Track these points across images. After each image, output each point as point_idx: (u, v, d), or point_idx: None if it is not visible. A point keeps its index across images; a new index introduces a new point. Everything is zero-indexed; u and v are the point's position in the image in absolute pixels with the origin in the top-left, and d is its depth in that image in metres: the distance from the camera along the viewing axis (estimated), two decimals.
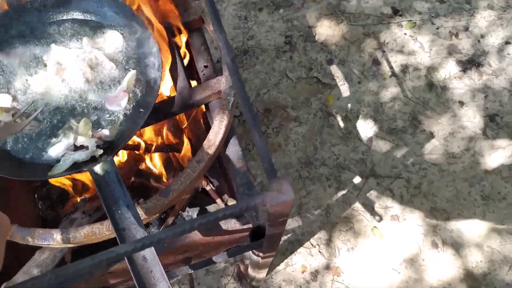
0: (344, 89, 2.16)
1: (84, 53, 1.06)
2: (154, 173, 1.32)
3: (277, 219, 0.63)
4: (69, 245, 0.96)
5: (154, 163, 1.33)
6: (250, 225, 1.05)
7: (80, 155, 0.94)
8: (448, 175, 1.94)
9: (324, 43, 2.28)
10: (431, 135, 2.03)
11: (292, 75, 2.20)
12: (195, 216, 1.33)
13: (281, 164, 2.01)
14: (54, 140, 0.97)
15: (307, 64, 2.23)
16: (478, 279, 1.76)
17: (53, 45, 1.06)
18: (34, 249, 1.05)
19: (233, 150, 1.09)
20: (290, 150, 2.03)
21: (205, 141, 1.02)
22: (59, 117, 1.00)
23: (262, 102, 2.14)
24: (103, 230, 0.94)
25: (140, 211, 0.95)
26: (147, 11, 1.10)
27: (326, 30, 2.32)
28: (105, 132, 0.97)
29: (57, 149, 0.96)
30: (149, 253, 0.83)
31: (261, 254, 1.11)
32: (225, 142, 1.09)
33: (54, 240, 0.94)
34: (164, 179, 1.32)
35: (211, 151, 1.01)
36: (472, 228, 1.84)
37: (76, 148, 0.94)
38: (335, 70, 2.21)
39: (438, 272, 1.78)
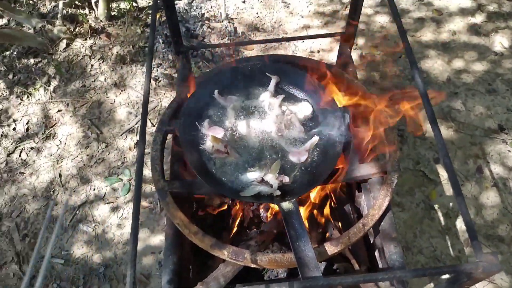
0: (447, 188, 2.34)
1: (282, 114, 1.39)
2: None
3: (470, 284, 0.84)
4: (252, 265, 1.21)
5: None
6: None
7: (264, 188, 1.22)
8: None
9: (432, 142, 2.52)
10: None
11: (400, 165, 2.43)
12: (322, 269, 1.53)
13: None
14: (251, 169, 1.27)
15: (415, 157, 2.46)
16: None
17: (261, 101, 1.41)
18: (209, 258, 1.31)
19: (389, 222, 1.32)
20: None
21: (370, 210, 1.26)
22: (254, 154, 1.31)
23: None
24: (283, 260, 1.18)
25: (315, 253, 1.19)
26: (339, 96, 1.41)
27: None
28: (286, 178, 1.25)
29: (251, 175, 1.25)
30: None
31: None
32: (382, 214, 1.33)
33: (244, 258, 1.19)
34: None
35: (374, 218, 1.25)
36: None
37: (262, 181, 1.22)
38: (440, 169, 2.41)
39: None
